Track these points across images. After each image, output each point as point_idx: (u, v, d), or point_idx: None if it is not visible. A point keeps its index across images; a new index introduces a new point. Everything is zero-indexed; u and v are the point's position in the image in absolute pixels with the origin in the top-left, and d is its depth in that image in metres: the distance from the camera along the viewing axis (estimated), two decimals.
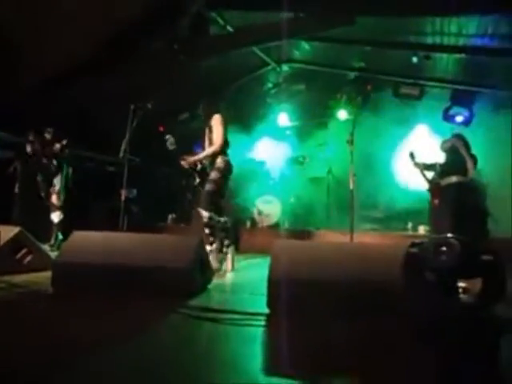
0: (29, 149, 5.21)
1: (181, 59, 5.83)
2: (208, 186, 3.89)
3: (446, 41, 5.56)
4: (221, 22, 5.71)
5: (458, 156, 4.66)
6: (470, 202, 4.52)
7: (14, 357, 1.70)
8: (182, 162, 4.05)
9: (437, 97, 6.87)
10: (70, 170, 5.53)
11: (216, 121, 4.02)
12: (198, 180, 4.06)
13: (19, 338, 1.97)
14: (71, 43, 5.41)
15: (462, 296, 2.51)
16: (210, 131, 4.06)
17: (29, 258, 3.76)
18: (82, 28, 5.20)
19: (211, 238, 3.94)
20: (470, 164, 4.60)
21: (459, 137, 4.88)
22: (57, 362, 1.66)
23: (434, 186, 5.02)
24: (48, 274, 3.10)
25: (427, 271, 2.37)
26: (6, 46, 5.01)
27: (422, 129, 7.35)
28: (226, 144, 4.05)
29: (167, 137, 4.08)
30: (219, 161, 3.94)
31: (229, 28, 5.81)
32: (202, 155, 4.02)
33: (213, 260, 3.87)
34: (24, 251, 3.74)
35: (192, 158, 4.01)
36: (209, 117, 4.06)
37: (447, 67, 6.24)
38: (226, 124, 4.06)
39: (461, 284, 2.63)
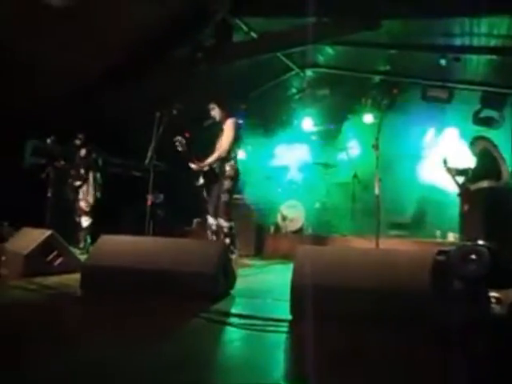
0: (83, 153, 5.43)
1: (205, 66, 5.91)
2: (224, 197, 3.91)
3: (476, 42, 5.40)
4: (244, 28, 5.76)
5: (489, 159, 4.49)
6: (503, 207, 4.34)
7: (46, 357, 1.76)
8: (192, 165, 4.06)
9: (466, 100, 6.66)
10: (98, 176, 5.70)
11: (228, 126, 4.02)
12: (201, 181, 4.02)
13: (49, 338, 2.04)
14: (97, 52, 5.58)
15: (494, 306, 2.42)
16: (221, 135, 4.07)
17: (59, 261, 3.89)
18: (107, 37, 5.37)
19: (232, 247, 3.94)
20: (504, 167, 4.43)
21: (488, 139, 4.72)
22: (85, 363, 1.71)
23: (464, 191, 4.85)
24: (77, 276, 3.20)
25: (456, 279, 2.30)
26: (37, 56, 5.23)
27: (451, 132, 7.14)
28: (233, 150, 4.03)
29: (177, 138, 4.10)
30: (228, 169, 3.96)
31: (252, 34, 5.86)
32: (210, 160, 4.02)
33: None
34: (55, 253, 3.87)
35: (202, 163, 4.01)
36: (223, 120, 4.06)
37: (477, 69, 6.04)
38: (238, 130, 4.04)
39: (493, 294, 2.54)
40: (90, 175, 5.58)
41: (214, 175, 3.99)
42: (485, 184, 4.45)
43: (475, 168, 4.71)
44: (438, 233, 6.34)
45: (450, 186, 5.23)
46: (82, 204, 5.50)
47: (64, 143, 5.66)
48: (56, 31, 5.01)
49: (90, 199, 5.53)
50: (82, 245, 5.42)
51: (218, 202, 3.93)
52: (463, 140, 6.90)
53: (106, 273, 2.99)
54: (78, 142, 5.54)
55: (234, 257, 3.94)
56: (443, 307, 2.09)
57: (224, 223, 3.88)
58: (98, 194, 5.64)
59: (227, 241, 3.92)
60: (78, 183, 5.50)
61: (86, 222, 5.46)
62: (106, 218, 5.62)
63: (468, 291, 2.15)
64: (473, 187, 4.58)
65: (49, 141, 5.42)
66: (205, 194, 4.08)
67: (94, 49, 5.51)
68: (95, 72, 5.92)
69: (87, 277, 3.06)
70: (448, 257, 2.78)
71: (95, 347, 1.90)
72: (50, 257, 3.84)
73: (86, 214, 5.48)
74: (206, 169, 4.01)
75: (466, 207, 4.73)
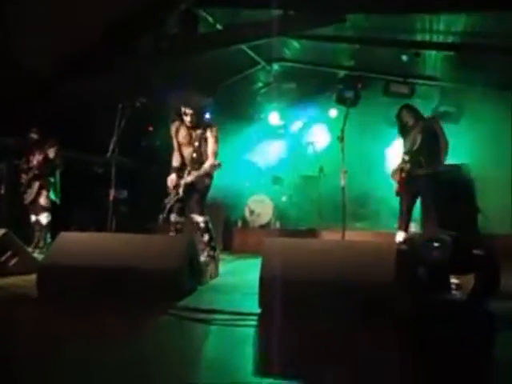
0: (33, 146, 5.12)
1: (169, 57, 5.76)
2: (201, 193, 3.78)
3: (436, 38, 5.58)
4: (210, 19, 5.65)
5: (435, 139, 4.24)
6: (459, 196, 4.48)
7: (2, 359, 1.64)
8: (189, 179, 3.72)
9: (427, 95, 6.89)
10: (58, 172, 5.44)
11: (214, 133, 3.79)
12: (181, 193, 3.76)
13: (4, 340, 1.91)
14: (57, 42, 5.31)
15: (454, 292, 2.50)
16: (201, 140, 3.80)
17: (14, 261, 3.67)
18: (68, 26, 5.11)
19: (213, 243, 3.82)
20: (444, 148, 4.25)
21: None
22: (42, 364, 1.61)
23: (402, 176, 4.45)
24: (33, 277, 3.02)
25: (419, 267, 2.36)
26: None
27: None
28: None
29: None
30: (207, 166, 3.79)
31: (218, 26, 5.76)
32: (202, 173, 3.70)
33: (214, 267, 3.76)
34: (9, 254, 3.65)
35: (190, 179, 3.70)
36: (204, 126, 3.82)
37: (436, 65, 6.26)
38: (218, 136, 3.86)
39: (454, 280, 2.62)
40: (57, 172, 5.31)
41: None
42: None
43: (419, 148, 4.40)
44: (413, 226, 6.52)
45: None
46: (42, 201, 5.23)
47: (18, 137, 5.34)
48: (15, 22, 4.72)
49: (51, 196, 5.26)
50: (41, 243, 5.15)
51: (193, 198, 3.80)
52: None
53: (65, 272, 2.84)
54: (34, 136, 5.24)
55: (216, 253, 3.83)
56: (407, 295, 2.14)
57: (200, 218, 3.77)
58: (58, 191, 5.37)
59: (206, 237, 3.79)
60: (37, 179, 5.21)
61: (45, 218, 5.19)
62: (66, 216, 5.37)
63: (431, 279, 2.20)
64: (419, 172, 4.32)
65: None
66: (180, 192, 3.82)
67: (53, 38, 5.23)
68: (54, 63, 5.63)
69: (45, 277, 2.89)
70: (412, 245, 2.85)
71: (55, 348, 1.79)
72: (4, 257, 3.61)
73: (46, 210, 5.21)
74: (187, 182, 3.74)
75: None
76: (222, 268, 3.98)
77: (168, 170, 4.09)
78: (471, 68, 5.85)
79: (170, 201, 3.85)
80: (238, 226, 7.00)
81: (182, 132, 3.86)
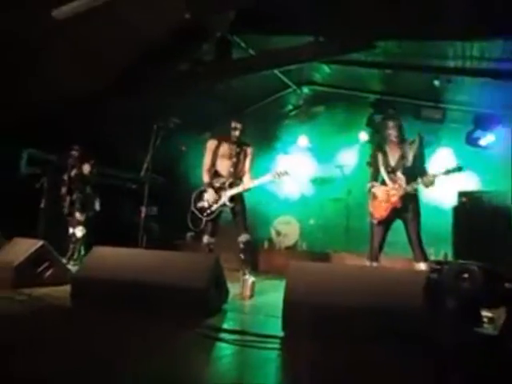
0: (71, 162, 5.42)
1: (204, 82, 5.98)
2: (244, 212, 3.94)
3: (469, 64, 5.52)
4: (243, 45, 5.87)
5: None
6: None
7: (35, 368, 1.72)
8: (212, 199, 3.93)
9: (460, 120, 6.77)
10: (89, 187, 5.69)
11: (251, 153, 4.09)
12: (228, 203, 3.91)
13: (39, 350, 2.00)
14: (97, 65, 5.64)
15: (485, 326, 2.42)
16: (239, 157, 4.04)
17: (50, 272, 3.85)
18: (107, 50, 5.43)
19: (245, 265, 3.90)
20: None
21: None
22: (75, 375, 1.68)
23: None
24: (67, 287, 3.16)
25: (448, 298, 2.30)
26: (34, 66, 5.27)
27: (444, 152, 7.24)
28: None
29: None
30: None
31: (251, 51, 5.97)
32: (240, 190, 3.92)
33: (249, 288, 3.79)
34: (45, 265, 3.83)
35: (230, 193, 3.90)
36: (242, 145, 4.07)
37: (470, 90, 6.17)
38: None
39: (486, 313, 2.53)
40: (88, 187, 5.57)
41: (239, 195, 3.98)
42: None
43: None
44: (432, 250, 6.35)
45: (445, 202, 5.15)
46: (78, 215, 5.47)
47: (59, 153, 5.65)
48: (56, 45, 5.07)
49: (87, 211, 5.51)
50: (75, 256, 5.36)
51: (243, 219, 3.92)
52: (457, 159, 7.01)
53: (96, 285, 2.96)
54: (74, 153, 5.54)
55: (248, 279, 3.82)
56: (436, 325, 2.09)
57: (247, 236, 3.88)
58: (97, 206, 5.63)
59: (241, 257, 3.89)
60: (73, 194, 5.48)
61: (80, 232, 5.42)
62: (100, 230, 5.58)
63: (461, 310, 2.14)
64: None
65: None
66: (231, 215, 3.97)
67: (93, 62, 5.58)
68: (94, 85, 5.97)
69: (77, 288, 3.03)
70: (442, 275, 2.79)
71: (84, 359, 1.87)
72: (41, 268, 3.80)
73: (81, 224, 5.45)
74: (234, 192, 3.93)
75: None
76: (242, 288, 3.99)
77: (195, 188, 4.23)
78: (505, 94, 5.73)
79: (204, 218, 3.95)
80: (264, 247, 7.02)
81: (224, 147, 4.06)
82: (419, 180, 3.58)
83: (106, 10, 4.43)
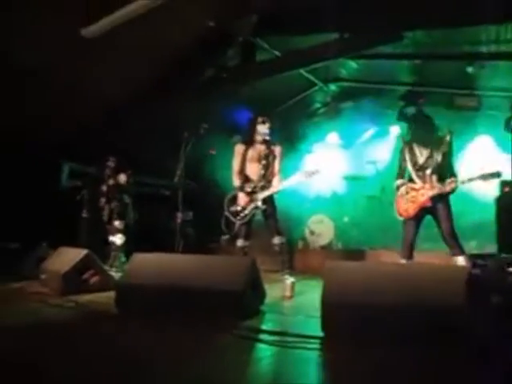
0: (108, 173, 5.65)
1: (229, 86, 6.05)
2: (275, 214, 3.95)
3: (504, 48, 5.28)
4: (267, 47, 5.89)
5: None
6: None
7: (83, 373, 1.82)
8: (244, 202, 3.95)
9: (497, 107, 6.49)
10: (127, 196, 5.89)
11: (280, 153, 4.06)
12: (261, 205, 3.91)
13: (87, 355, 2.11)
14: (125, 74, 5.84)
15: None
16: (268, 159, 4.03)
17: (95, 279, 4.02)
18: (135, 59, 5.61)
19: (285, 266, 3.91)
20: None
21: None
22: (119, 378, 1.76)
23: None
24: (111, 294, 3.30)
25: (493, 294, 2.22)
26: (71, 82, 5.53)
27: (483, 140, 6.95)
28: None
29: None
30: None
31: (275, 52, 5.98)
32: (272, 191, 3.93)
33: (289, 288, 3.82)
34: (90, 272, 4.01)
35: (262, 195, 3.91)
36: (268, 142, 4.05)
37: (506, 75, 5.89)
38: None
39: None
40: (126, 196, 5.79)
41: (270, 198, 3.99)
42: None
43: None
44: (474, 244, 6.10)
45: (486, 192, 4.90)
46: (117, 223, 5.69)
47: (97, 165, 5.90)
48: (89, 59, 5.29)
49: (126, 219, 5.73)
50: (116, 263, 5.58)
51: (274, 221, 3.94)
52: (497, 148, 6.72)
53: (139, 290, 3.08)
54: (111, 164, 5.76)
55: (287, 280, 3.85)
56: (480, 322, 2.02)
57: (274, 239, 3.89)
58: (136, 215, 5.84)
59: (280, 258, 3.91)
60: (113, 204, 5.70)
61: (120, 240, 5.62)
62: (138, 237, 5.77)
63: (507, 306, 2.06)
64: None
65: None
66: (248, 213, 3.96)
67: (123, 73, 5.78)
68: (123, 94, 6.19)
69: (122, 295, 3.16)
70: (485, 270, 2.69)
71: (129, 363, 1.95)
72: (86, 275, 3.98)
73: (120, 232, 5.66)
74: (266, 194, 3.94)
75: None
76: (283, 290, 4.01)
77: (226, 191, 4.28)
78: None
79: (237, 221, 4.00)
80: (298, 247, 7.00)
81: (252, 150, 4.07)
82: (456, 182, 3.45)
83: (133, 24, 4.59)
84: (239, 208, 4.00)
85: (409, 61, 6.12)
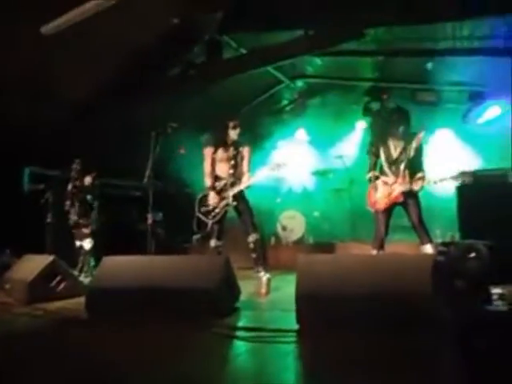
0: (73, 175, 5.46)
1: (196, 84, 6.00)
2: (249, 208, 3.97)
3: (460, 44, 5.53)
4: (233, 44, 5.88)
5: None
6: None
7: (56, 380, 1.77)
8: (214, 201, 3.97)
9: (455, 100, 6.78)
10: (92, 199, 5.73)
11: (248, 153, 4.12)
12: (232, 202, 3.95)
13: (59, 363, 2.05)
14: (88, 73, 5.67)
15: (496, 303, 2.44)
16: (237, 159, 4.08)
17: (63, 285, 3.90)
18: (99, 59, 5.46)
19: (259, 262, 3.92)
20: None
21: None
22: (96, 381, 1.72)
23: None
24: (81, 300, 3.21)
25: (457, 279, 2.32)
26: (30, 82, 5.31)
27: (443, 133, 7.25)
28: None
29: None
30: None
31: (242, 50, 5.98)
32: (241, 187, 3.97)
33: (264, 285, 3.84)
34: (58, 279, 3.88)
35: (232, 191, 3.95)
36: (239, 144, 4.11)
37: (463, 70, 6.17)
38: None
39: (497, 290, 2.56)
40: (91, 199, 5.62)
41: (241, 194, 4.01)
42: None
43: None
44: (438, 232, 6.36)
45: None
46: (83, 227, 5.52)
47: (62, 168, 5.70)
48: (50, 57, 5.10)
49: (92, 222, 5.56)
50: (85, 268, 5.42)
51: (249, 217, 3.94)
52: (457, 140, 7.03)
53: (111, 294, 3.00)
54: (75, 166, 5.58)
55: (263, 276, 3.87)
56: (445, 307, 2.12)
57: (255, 235, 3.90)
58: (102, 218, 5.68)
59: (253, 255, 3.92)
60: (78, 208, 5.52)
61: (88, 244, 5.47)
62: (107, 239, 5.63)
63: (470, 290, 2.17)
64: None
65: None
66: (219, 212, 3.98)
67: (85, 72, 5.60)
68: (88, 95, 6.00)
69: (92, 299, 3.08)
70: (449, 256, 2.81)
71: (106, 367, 1.91)
72: (54, 282, 3.85)
73: (88, 236, 5.50)
74: (235, 190, 3.97)
75: None
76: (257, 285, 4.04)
77: (195, 190, 4.27)
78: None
79: (209, 221, 3.98)
80: (270, 243, 7.06)
81: (221, 151, 4.12)
82: (427, 181, 3.61)
83: (92, 22, 4.46)
84: (210, 207, 4.01)
85: (372, 57, 6.29)
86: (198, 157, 4.41)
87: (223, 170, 4.11)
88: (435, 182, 3.61)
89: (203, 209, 4.07)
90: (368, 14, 4.70)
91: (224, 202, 3.97)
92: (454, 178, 3.51)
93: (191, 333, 2.54)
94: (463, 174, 3.55)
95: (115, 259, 3.37)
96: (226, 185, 4.03)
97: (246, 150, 4.14)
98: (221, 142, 4.15)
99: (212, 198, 4.02)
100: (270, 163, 4.09)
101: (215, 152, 4.15)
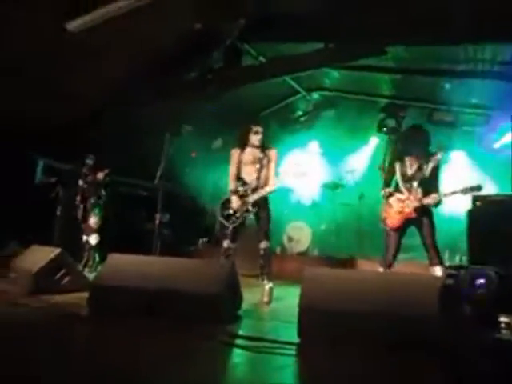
0: (86, 171, 5.52)
1: (214, 89, 6.05)
2: (269, 218, 3.95)
3: (480, 67, 5.49)
4: (253, 53, 5.93)
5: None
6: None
7: (52, 375, 1.76)
8: (236, 205, 3.92)
9: (473, 123, 6.72)
10: (102, 195, 5.78)
11: (274, 157, 4.05)
12: (239, 219, 3.92)
13: (58, 358, 2.05)
14: (108, 74, 5.75)
15: (503, 331, 2.39)
16: (262, 162, 4.01)
17: (67, 279, 3.91)
18: (118, 58, 5.53)
19: (264, 271, 3.91)
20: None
21: None
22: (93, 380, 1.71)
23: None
24: (84, 295, 3.22)
25: (465, 304, 2.28)
26: (46, 78, 5.40)
27: (458, 156, 7.18)
28: None
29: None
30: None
31: (261, 58, 6.02)
32: (263, 193, 3.92)
33: (267, 294, 3.83)
34: (63, 272, 3.90)
35: (252, 198, 3.90)
36: (265, 149, 4.05)
37: (482, 93, 6.12)
38: None
39: (504, 319, 2.50)
40: (102, 195, 5.66)
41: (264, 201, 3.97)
42: None
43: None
44: (447, 255, 6.26)
45: (460, 207, 5.09)
46: (91, 222, 5.56)
47: (75, 162, 5.77)
48: (68, 56, 5.19)
49: (100, 218, 5.59)
50: (90, 263, 5.45)
51: (266, 226, 3.92)
52: (471, 162, 6.95)
53: (113, 292, 3.01)
54: (89, 162, 5.64)
55: (266, 285, 3.85)
56: (452, 332, 2.08)
57: (260, 244, 3.87)
58: (110, 215, 5.72)
59: (261, 262, 3.89)
60: (88, 202, 5.57)
61: (94, 239, 5.50)
62: (114, 237, 5.66)
63: (477, 316, 2.13)
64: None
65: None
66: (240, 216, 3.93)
67: (104, 72, 5.69)
68: (105, 94, 6.08)
69: (95, 296, 3.08)
70: (457, 280, 2.77)
71: (102, 367, 1.90)
72: (58, 275, 3.86)
73: (95, 232, 5.53)
74: (256, 197, 3.92)
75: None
76: (260, 294, 4.01)
77: (205, 194, 4.25)
78: None
79: (229, 225, 3.97)
80: (276, 253, 7.02)
81: (247, 153, 4.06)
82: (438, 196, 3.59)
83: (118, 22, 4.53)
84: (231, 211, 3.98)
85: (389, 74, 6.28)
86: (209, 160, 4.42)
87: (248, 172, 4.04)
88: (445, 195, 3.59)
89: (225, 212, 4.03)
90: (390, 32, 4.70)
91: (244, 208, 3.95)
92: (464, 191, 3.48)
93: (190, 338, 2.52)
94: (472, 188, 3.51)
95: (121, 257, 3.38)
96: (247, 190, 3.98)
97: (272, 153, 4.06)
98: (247, 144, 4.07)
99: (234, 202, 3.97)
100: (295, 170, 4.05)
101: (242, 153, 4.07)
